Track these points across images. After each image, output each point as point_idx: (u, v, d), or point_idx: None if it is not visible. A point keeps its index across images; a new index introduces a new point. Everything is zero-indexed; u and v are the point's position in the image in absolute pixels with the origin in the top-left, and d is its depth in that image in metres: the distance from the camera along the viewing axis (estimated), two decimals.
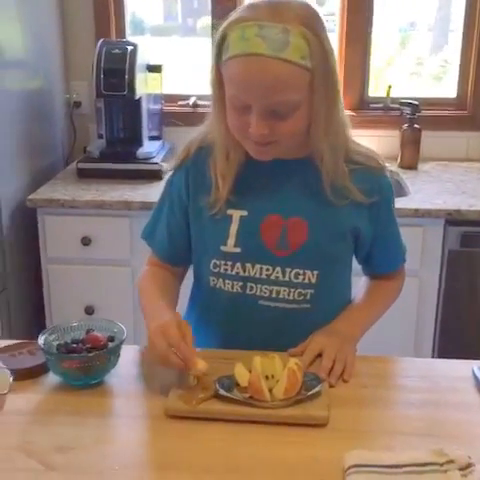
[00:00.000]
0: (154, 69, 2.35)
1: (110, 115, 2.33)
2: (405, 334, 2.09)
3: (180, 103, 2.54)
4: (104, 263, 2.10)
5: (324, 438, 0.95)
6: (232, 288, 1.18)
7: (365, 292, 1.29)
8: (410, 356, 1.98)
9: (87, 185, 2.17)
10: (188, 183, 1.19)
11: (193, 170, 1.19)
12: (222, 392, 1.00)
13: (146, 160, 2.25)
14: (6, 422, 0.98)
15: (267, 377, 1.01)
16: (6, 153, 2.03)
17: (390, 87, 2.48)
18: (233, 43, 1.02)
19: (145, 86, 2.29)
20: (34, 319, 2.22)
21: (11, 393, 0.97)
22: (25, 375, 1.07)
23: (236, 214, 1.16)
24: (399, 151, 2.40)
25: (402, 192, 2.21)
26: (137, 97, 2.22)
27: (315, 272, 1.16)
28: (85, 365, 1.05)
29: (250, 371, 1.02)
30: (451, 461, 0.85)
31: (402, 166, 2.39)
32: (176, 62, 2.57)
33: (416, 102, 2.37)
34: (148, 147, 2.31)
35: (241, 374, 1.02)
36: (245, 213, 1.16)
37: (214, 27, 1.09)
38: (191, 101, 2.50)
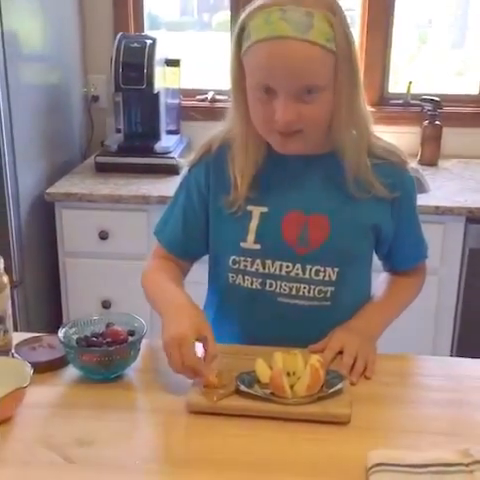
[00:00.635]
0: (172, 63, 2.34)
1: (128, 109, 2.33)
2: (424, 332, 2.07)
3: (198, 98, 2.53)
4: (121, 257, 2.10)
5: (346, 436, 0.94)
6: (251, 285, 1.17)
7: (385, 289, 1.28)
8: (428, 354, 1.97)
9: (105, 179, 2.17)
10: (209, 179, 1.18)
11: (214, 167, 1.18)
12: (243, 388, 0.99)
13: (164, 154, 2.24)
14: (26, 415, 0.98)
15: (288, 374, 1.00)
16: (24, 147, 2.03)
17: (411, 83, 2.45)
18: (256, 29, 1.02)
19: (163, 80, 2.28)
20: (51, 312, 2.22)
21: (31, 386, 0.97)
22: (45, 368, 1.07)
23: (256, 210, 1.15)
24: (419, 148, 2.38)
25: (422, 189, 2.18)
26: (155, 91, 2.21)
27: (336, 269, 1.15)
28: (105, 359, 1.04)
29: (271, 367, 1.01)
30: (477, 462, 0.83)
31: (422, 163, 2.37)
32: (192, 57, 2.56)
33: (437, 98, 2.34)
34: (166, 141, 2.31)
35: (262, 370, 1.01)
36: (266, 209, 1.15)
37: (233, 19, 1.08)
38: (209, 96, 2.49)
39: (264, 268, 1.16)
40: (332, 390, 0.99)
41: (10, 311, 1.12)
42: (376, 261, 1.29)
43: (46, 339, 1.16)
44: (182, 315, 1.05)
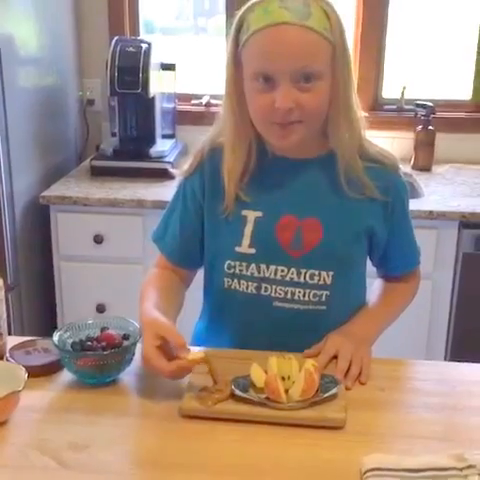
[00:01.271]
0: (168, 68, 2.35)
1: (123, 113, 2.33)
2: (418, 337, 2.07)
3: (193, 102, 2.54)
4: (116, 261, 2.10)
5: (340, 441, 0.94)
6: (247, 289, 1.18)
7: (379, 294, 1.28)
8: (422, 359, 1.97)
9: (100, 183, 2.17)
10: (204, 185, 1.19)
11: (208, 173, 1.18)
12: (238, 392, 0.99)
13: (159, 159, 2.24)
14: (20, 419, 0.98)
15: (283, 378, 1.00)
16: (19, 150, 2.03)
17: (404, 88, 2.47)
18: (255, 20, 1.05)
19: (159, 84, 2.29)
20: (45, 316, 2.22)
21: (25, 390, 0.97)
22: (39, 372, 1.07)
23: (251, 215, 1.16)
24: (413, 153, 2.39)
25: (416, 194, 2.19)
26: (151, 95, 2.21)
27: (330, 273, 1.15)
28: (100, 363, 1.04)
29: (266, 372, 1.01)
30: (471, 466, 0.84)
31: (416, 168, 2.38)
32: (188, 62, 2.56)
33: (430, 103, 2.35)
34: (161, 146, 2.31)
35: (257, 375, 1.01)
36: (260, 214, 1.16)
37: (228, 23, 1.10)
38: (204, 100, 2.50)
39: (259, 272, 1.16)
40: (327, 395, 0.99)
41: (4, 315, 1.12)
42: (371, 267, 1.29)
43: (40, 343, 1.15)
44: (144, 332, 1.04)
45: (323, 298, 1.17)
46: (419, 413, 1.01)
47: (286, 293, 1.16)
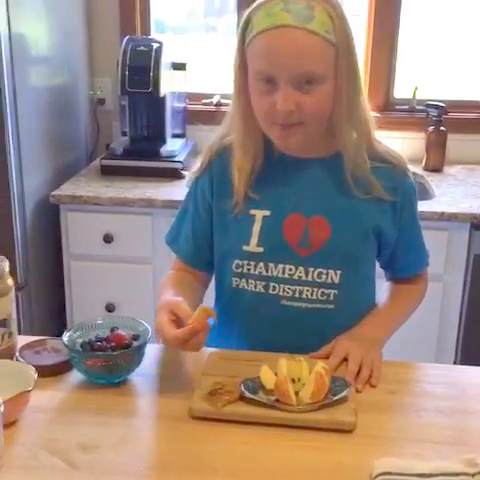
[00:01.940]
0: (179, 67, 2.35)
1: (134, 112, 2.33)
2: (427, 339, 2.06)
3: (204, 101, 2.53)
4: (126, 261, 2.10)
5: (350, 444, 0.94)
6: (255, 288, 1.17)
7: (388, 296, 1.28)
8: (432, 361, 1.96)
9: (110, 182, 2.17)
10: (212, 184, 1.19)
11: (217, 172, 1.19)
12: (247, 394, 0.99)
13: (169, 158, 2.24)
14: (30, 419, 0.98)
15: (293, 380, 1.00)
16: (30, 149, 2.03)
17: (416, 89, 2.45)
18: (259, 21, 1.05)
19: (170, 84, 2.28)
20: (55, 315, 2.22)
21: (35, 390, 0.97)
22: (49, 372, 1.07)
23: (259, 214, 1.16)
24: (424, 153, 2.37)
25: (427, 195, 2.18)
26: (161, 95, 2.21)
27: (338, 272, 1.15)
28: (109, 363, 1.04)
29: (276, 374, 1.01)
30: None
31: (427, 169, 2.36)
32: (198, 61, 2.56)
33: (442, 104, 2.34)
34: (171, 145, 2.31)
35: (267, 377, 1.01)
36: (268, 213, 1.16)
37: (239, 23, 1.11)
38: (215, 100, 2.50)
39: (267, 271, 1.16)
40: (337, 397, 0.99)
41: (15, 314, 1.12)
42: (380, 269, 1.29)
43: (50, 343, 1.16)
44: (157, 312, 1.07)
45: (331, 297, 1.16)
46: (430, 417, 1.00)
47: (294, 292, 1.16)
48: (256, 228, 1.15)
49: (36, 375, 0.98)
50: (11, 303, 1.10)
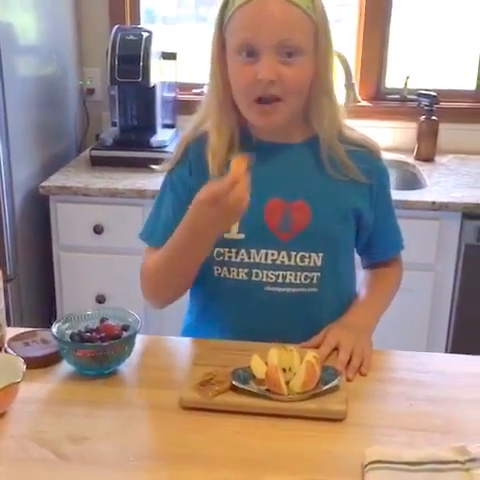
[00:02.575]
0: (169, 57, 2.33)
1: (124, 102, 2.31)
2: (419, 328, 2.07)
3: (195, 91, 2.52)
4: (116, 252, 2.09)
5: (341, 433, 0.94)
6: (237, 276, 1.17)
7: (369, 284, 1.29)
8: (423, 350, 1.97)
9: (100, 173, 2.16)
10: (191, 172, 1.18)
11: (194, 159, 1.18)
12: (238, 384, 0.98)
13: (160, 148, 2.23)
14: (19, 411, 0.97)
15: (284, 370, 0.99)
16: (19, 140, 2.01)
17: (408, 78, 2.44)
18: None
19: (159, 74, 2.27)
20: (45, 307, 2.22)
21: (24, 382, 0.96)
22: (38, 364, 1.06)
23: None
24: (416, 143, 2.37)
25: (418, 184, 2.18)
26: (151, 85, 2.20)
27: (320, 254, 1.16)
28: (99, 354, 1.04)
29: (267, 363, 1.00)
30: (473, 459, 0.83)
31: (419, 158, 2.36)
32: (189, 50, 2.55)
33: (434, 93, 2.33)
34: (162, 135, 2.29)
35: (258, 366, 1.00)
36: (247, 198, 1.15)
37: None
38: (205, 90, 2.48)
39: (249, 258, 1.16)
40: (328, 386, 0.98)
41: (3, 305, 1.11)
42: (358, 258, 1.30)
43: (39, 334, 1.15)
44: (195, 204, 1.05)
45: (314, 280, 1.17)
46: (420, 405, 1.00)
47: (277, 277, 1.16)
48: None
49: (25, 367, 0.98)
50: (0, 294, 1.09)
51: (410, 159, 2.36)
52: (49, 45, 2.24)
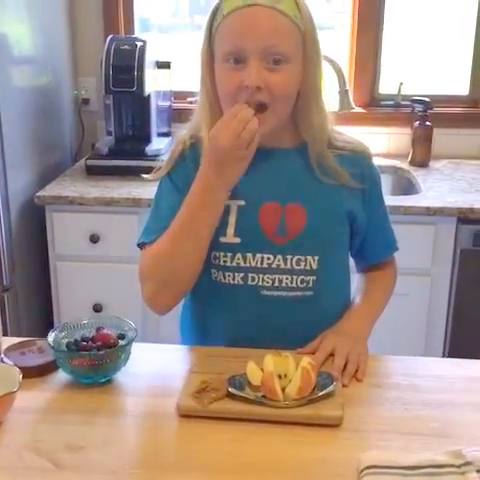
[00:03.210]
0: (163, 66, 2.34)
1: (119, 112, 2.32)
2: (416, 333, 2.07)
3: (190, 100, 2.52)
4: (112, 260, 2.09)
5: (337, 438, 0.94)
6: (233, 280, 1.17)
7: (363, 289, 1.29)
8: (420, 355, 1.97)
9: (95, 182, 2.16)
10: (185, 179, 1.16)
11: (191, 162, 1.17)
12: (234, 391, 0.98)
13: (155, 157, 2.23)
14: (15, 420, 0.97)
15: (280, 376, 0.99)
16: (14, 149, 2.02)
17: (401, 84, 2.46)
18: (228, 4, 1.08)
19: (154, 83, 2.28)
20: (42, 316, 2.21)
21: (20, 391, 0.96)
22: (34, 373, 1.06)
23: (233, 204, 1.15)
24: (410, 148, 2.38)
25: (413, 190, 2.19)
26: (146, 94, 2.20)
27: (316, 258, 1.16)
28: (95, 363, 1.04)
29: (262, 370, 1.01)
30: (469, 463, 0.83)
31: (413, 163, 2.37)
32: (184, 59, 2.56)
33: (428, 99, 2.35)
34: (157, 144, 2.30)
35: (253, 373, 1.01)
36: (242, 203, 1.15)
37: None
38: (197, 97, 2.48)
39: (245, 262, 1.16)
40: (323, 392, 0.99)
41: None
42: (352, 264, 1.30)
43: (36, 343, 1.15)
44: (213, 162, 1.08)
45: (310, 284, 1.17)
46: (417, 410, 1.00)
47: (273, 281, 1.16)
48: (232, 218, 1.15)
49: (21, 376, 0.98)
50: None
51: (405, 164, 2.37)
52: (44, 55, 2.25)
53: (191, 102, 2.61)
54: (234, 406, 0.97)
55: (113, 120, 2.32)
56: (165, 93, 2.41)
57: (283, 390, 0.98)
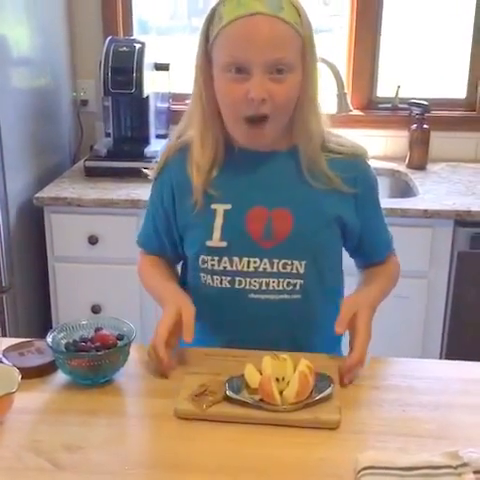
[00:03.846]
0: (162, 67, 2.35)
1: (117, 113, 2.32)
2: (413, 335, 2.07)
3: (188, 102, 2.53)
4: (111, 262, 2.10)
5: (335, 439, 0.94)
6: (221, 283, 1.18)
7: (368, 276, 1.27)
8: (418, 357, 1.98)
9: (94, 183, 2.17)
10: (172, 184, 1.20)
11: (176, 170, 1.19)
12: (231, 395, 0.99)
13: (153, 158, 2.23)
14: (15, 421, 0.97)
15: (278, 379, 1.00)
16: (13, 151, 2.02)
17: (399, 87, 2.47)
18: (228, 12, 1.06)
19: (153, 84, 2.28)
20: (40, 317, 2.21)
21: (19, 392, 0.96)
22: (33, 374, 1.07)
23: (220, 208, 1.16)
24: (408, 151, 2.39)
25: (411, 192, 2.20)
26: (145, 95, 2.21)
27: (303, 262, 1.16)
28: (94, 364, 1.04)
29: (260, 372, 1.01)
30: (465, 464, 0.84)
31: (411, 166, 2.38)
32: (182, 61, 2.56)
33: (425, 102, 2.36)
34: (155, 145, 2.30)
35: (251, 375, 1.01)
36: (229, 207, 1.16)
37: None
38: (189, 100, 2.49)
39: (232, 266, 1.16)
40: (321, 396, 0.99)
41: None
42: (351, 265, 1.30)
43: (35, 344, 1.15)
44: (166, 304, 1.13)
45: (297, 287, 1.17)
46: (414, 411, 1.01)
47: (261, 284, 1.17)
48: (218, 222, 1.16)
49: (20, 377, 0.98)
50: None
51: (402, 167, 2.37)
52: (43, 57, 2.25)
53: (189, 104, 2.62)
54: (232, 410, 0.97)
55: (112, 122, 2.32)
56: (163, 95, 2.42)
57: (281, 393, 0.98)
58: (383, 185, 2.40)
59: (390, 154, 2.45)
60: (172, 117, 2.45)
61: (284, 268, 1.16)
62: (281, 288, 1.17)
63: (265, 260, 1.16)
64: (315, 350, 1.14)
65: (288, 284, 1.17)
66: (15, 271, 2.06)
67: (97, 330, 1.11)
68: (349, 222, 1.19)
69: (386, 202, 2.14)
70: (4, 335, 1.16)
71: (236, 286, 1.17)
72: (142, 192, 2.08)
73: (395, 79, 2.52)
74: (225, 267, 1.16)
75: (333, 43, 2.61)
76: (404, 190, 2.29)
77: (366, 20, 2.45)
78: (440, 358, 2.06)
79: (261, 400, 0.98)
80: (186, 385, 1.02)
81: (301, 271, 1.16)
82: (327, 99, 2.36)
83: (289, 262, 1.16)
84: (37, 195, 2.07)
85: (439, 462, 0.84)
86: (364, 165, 1.21)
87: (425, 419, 0.99)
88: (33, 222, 2.12)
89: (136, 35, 2.54)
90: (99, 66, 2.17)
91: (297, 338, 1.19)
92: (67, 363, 1.05)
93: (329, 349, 1.19)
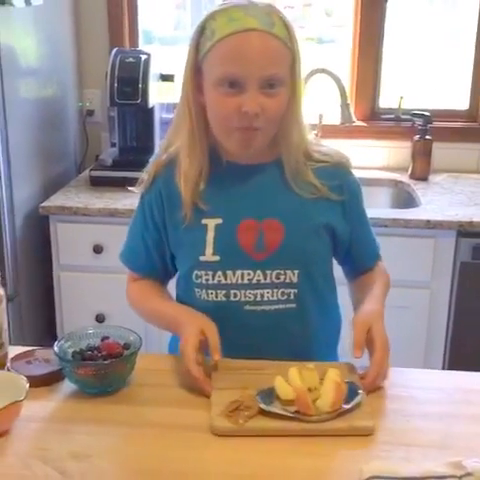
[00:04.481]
0: (167, 78, 2.37)
1: (123, 123, 2.34)
2: (415, 345, 2.08)
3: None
4: (116, 271, 2.08)
5: (340, 449, 0.95)
6: (216, 297, 1.18)
7: (363, 286, 1.26)
8: (420, 367, 1.98)
9: (100, 193, 2.18)
10: (162, 198, 1.20)
11: (164, 187, 1.20)
12: (267, 408, 0.99)
13: None
14: (22, 429, 0.98)
15: (309, 389, 1.00)
16: (19, 160, 2.04)
17: (402, 98, 2.48)
18: (220, 27, 1.07)
19: (158, 95, 2.30)
20: (45, 326, 2.22)
21: (27, 400, 0.97)
22: (40, 382, 1.08)
23: (211, 223, 1.17)
24: (410, 162, 2.40)
25: (413, 203, 2.21)
26: (150, 106, 2.23)
27: (295, 271, 1.17)
28: (101, 373, 1.05)
29: (290, 383, 1.01)
30: (469, 474, 0.84)
31: (413, 177, 2.39)
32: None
33: (428, 113, 2.37)
34: None
35: (282, 388, 1.01)
36: (220, 221, 1.17)
37: None
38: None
39: (226, 279, 1.17)
40: (353, 403, 1.00)
41: (6, 325, 1.13)
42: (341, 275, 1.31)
43: (41, 353, 1.16)
44: (187, 326, 1.12)
45: (291, 296, 1.18)
46: (417, 421, 1.02)
47: (255, 296, 1.17)
48: (210, 237, 1.16)
49: (28, 385, 0.99)
50: (2, 313, 1.11)
51: (405, 178, 2.39)
52: (49, 67, 2.27)
53: None
54: (269, 424, 0.97)
55: (117, 132, 2.34)
56: (169, 105, 2.44)
57: (313, 403, 0.99)
58: (385, 195, 2.41)
59: (393, 165, 2.47)
60: None
61: (278, 278, 1.17)
62: (276, 298, 1.18)
63: (258, 272, 1.16)
64: (313, 357, 1.14)
65: (282, 294, 1.18)
66: (20, 279, 2.07)
67: (104, 339, 1.12)
68: (338, 229, 1.20)
69: (389, 212, 2.16)
70: (10, 344, 1.17)
71: (231, 299, 1.18)
72: None
73: (398, 90, 2.54)
74: (220, 281, 1.17)
75: (336, 54, 2.63)
76: (407, 201, 2.30)
77: (369, 31, 2.46)
78: (442, 368, 2.07)
79: (296, 412, 0.98)
80: (216, 401, 1.02)
81: (294, 280, 1.17)
82: (330, 110, 2.39)
83: (282, 272, 1.17)
84: (43, 204, 2.09)
85: (443, 472, 0.85)
86: (348, 173, 1.23)
87: (428, 429, 1.00)
88: (39, 231, 2.14)
89: (140, 45, 2.57)
90: (105, 77, 2.19)
91: (295, 347, 1.20)
92: (74, 372, 1.06)
93: (326, 356, 1.21)
